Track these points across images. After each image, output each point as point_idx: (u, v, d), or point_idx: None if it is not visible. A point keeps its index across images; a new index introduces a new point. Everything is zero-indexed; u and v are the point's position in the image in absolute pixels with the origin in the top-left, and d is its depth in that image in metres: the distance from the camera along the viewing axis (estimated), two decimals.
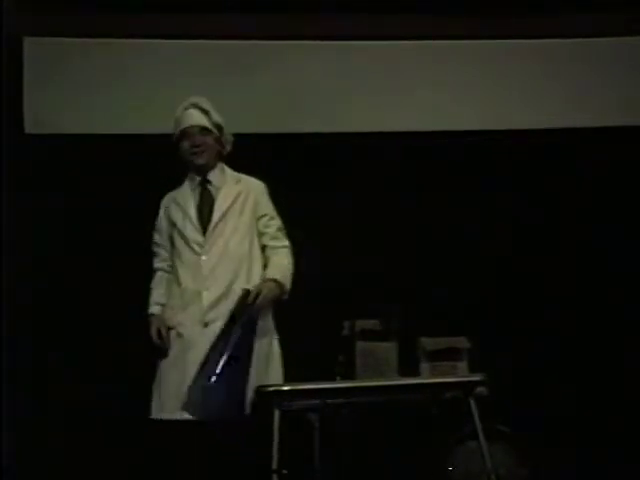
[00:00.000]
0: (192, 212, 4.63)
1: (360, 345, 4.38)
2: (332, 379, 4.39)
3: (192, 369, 4.40)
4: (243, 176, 4.76)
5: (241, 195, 4.66)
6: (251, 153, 5.28)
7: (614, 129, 5.72)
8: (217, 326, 4.45)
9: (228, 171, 4.75)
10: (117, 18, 5.57)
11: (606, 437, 5.51)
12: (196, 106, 4.68)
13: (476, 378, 4.34)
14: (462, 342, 4.45)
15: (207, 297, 4.53)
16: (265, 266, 4.64)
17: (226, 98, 5.52)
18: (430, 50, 5.81)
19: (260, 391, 4.28)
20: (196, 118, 4.67)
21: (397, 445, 5.40)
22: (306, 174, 5.57)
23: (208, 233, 4.59)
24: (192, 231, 4.60)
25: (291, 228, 4.84)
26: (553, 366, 5.57)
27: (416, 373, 4.43)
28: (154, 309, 4.67)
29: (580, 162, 5.73)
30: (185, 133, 4.68)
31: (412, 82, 5.76)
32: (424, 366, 4.42)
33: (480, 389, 4.32)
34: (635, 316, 5.66)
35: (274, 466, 4.16)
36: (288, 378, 4.51)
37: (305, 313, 5.10)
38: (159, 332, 4.56)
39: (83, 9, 5.52)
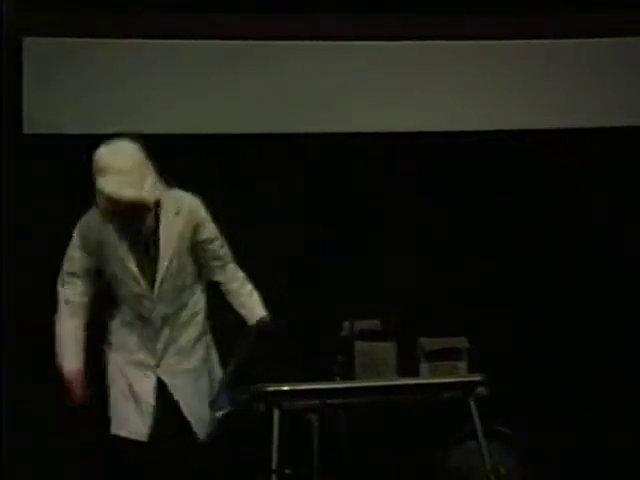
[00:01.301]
0: (132, 264, 4.23)
1: (359, 345, 4.38)
2: (331, 379, 4.38)
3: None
4: (180, 197, 4.28)
5: (183, 229, 4.25)
6: (251, 153, 5.30)
7: (614, 129, 5.72)
8: (171, 377, 4.28)
9: (162, 191, 4.21)
10: (117, 18, 5.57)
11: (606, 437, 5.51)
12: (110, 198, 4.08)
13: (476, 378, 4.35)
14: (462, 342, 4.45)
15: (159, 351, 4.31)
16: (217, 283, 4.37)
17: (226, 98, 5.53)
18: (430, 50, 5.81)
19: (259, 391, 4.28)
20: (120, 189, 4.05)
21: (397, 445, 5.41)
22: (306, 174, 5.57)
23: (156, 287, 4.25)
24: (137, 287, 4.25)
25: (291, 228, 4.84)
26: (553, 366, 5.58)
27: (415, 373, 4.43)
28: (74, 365, 4.28)
29: (580, 162, 5.73)
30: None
31: (412, 82, 5.76)
32: (423, 366, 4.42)
33: (480, 389, 4.32)
34: (636, 316, 5.66)
35: (274, 466, 4.16)
36: (288, 378, 4.51)
37: (304, 313, 5.11)
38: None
39: (83, 9, 5.52)
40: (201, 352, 4.37)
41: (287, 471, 4.15)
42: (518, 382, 5.41)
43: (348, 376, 4.37)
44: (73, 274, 4.33)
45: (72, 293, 4.32)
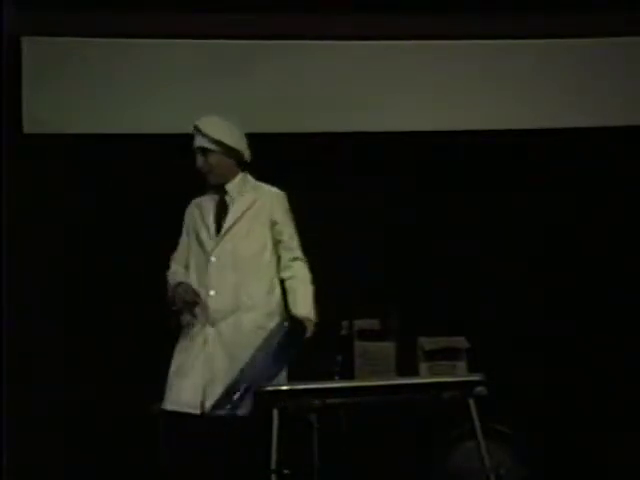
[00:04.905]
0: (210, 218, 4.72)
1: (359, 345, 4.38)
2: (331, 379, 4.38)
3: (198, 366, 4.53)
4: (263, 185, 4.82)
5: (256, 202, 4.74)
6: (251, 153, 5.29)
7: (614, 129, 5.72)
8: (223, 326, 4.56)
9: (250, 181, 4.82)
10: (117, 18, 5.58)
11: (606, 437, 5.51)
12: (196, 128, 4.72)
13: (475, 378, 4.34)
14: (461, 342, 4.45)
15: (213, 298, 4.60)
16: (282, 280, 4.72)
17: (226, 98, 5.54)
18: (430, 50, 5.81)
19: (260, 391, 4.28)
20: (196, 141, 4.73)
21: (397, 445, 5.41)
22: (306, 174, 5.57)
23: (220, 237, 4.67)
24: (206, 235, 4.70)
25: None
26: (553, 365, 5.58)
27: (415, 373, 4.43)
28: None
29: (580, 162, 5.73)
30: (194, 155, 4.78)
31: (412, 82, 5.76)
32: (423, 366, 4.41)
33: (479, 389, 4.32)
34: (635, 316, 5.66)
35: (273, 466, 4.16)
36: (288, 378, 4.51)
37: None
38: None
39: (83, 9, 5.52)
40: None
41: (286, 471, 4.15)
42: (518, 382, 5.41)
43: (348, 376, 4.37)
44: (181, 242, 4.81)
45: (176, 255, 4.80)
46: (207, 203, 4.78)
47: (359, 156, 5.68)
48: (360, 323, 4.43)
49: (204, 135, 4.70)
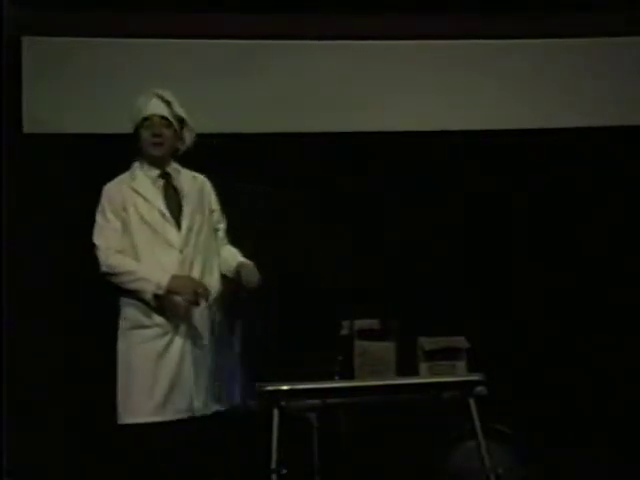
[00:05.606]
0: (159, 203, 4.53)
1: (359, 345, 4.39)
2: (331, 379, 4.38)
3: (183, 367, 4.43)
4: (194, 173, 4.70)
5: (200, 192, 4.64)
6: (251, 153, 5.30)
7: (614, 129, 5.72)
8: (195, 319, 4.44)
9: (181, 168, 4.67)
10: (117, 17, 5.58)
11: (606, 437, 5.51)
12: (159, 96, 4.60)
13: (475, 378, 4.35)
14: (461, 342, 4.45)
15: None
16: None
17: (226, 98, 5.54)
18: (430, 50, 5.81)
19: (260, 390, 4.29)
20: (158, 108, 4.58)
21: (397, 445, 5.41)
22: (306, 174, 5.57)
23: (183, 231, 4.51)
24: (165, 227, 4.51)
25: (290, 228, 4.85)
26: (553, 365, 5.58)
27: (415, 373, 4.43)
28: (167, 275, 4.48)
29: (579, 162, 5.73)
30: (146, 122, 4.59)
31: (412, 82, 5.76)
32: (423, 366, 4.42)
33: (479, 389, 4.33)
34: (635, 316, 5.66)
35: (273, 465, 4.17)
36: (288, 378, 4.51)
37: (304, 313, 5.11)
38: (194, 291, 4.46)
39: (83, 8, 5.52)
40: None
41: (284, 471, 4.15)
42: (518, 382, 5.41)
43: (348, 376, 4.37)
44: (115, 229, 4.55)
45: (114, 243, 4.52)
46: (143, 183, 4.55)
47: (359, 156, 5.67)
48: (360, 323, 4.43)
49: (170, 107, 4.57)
